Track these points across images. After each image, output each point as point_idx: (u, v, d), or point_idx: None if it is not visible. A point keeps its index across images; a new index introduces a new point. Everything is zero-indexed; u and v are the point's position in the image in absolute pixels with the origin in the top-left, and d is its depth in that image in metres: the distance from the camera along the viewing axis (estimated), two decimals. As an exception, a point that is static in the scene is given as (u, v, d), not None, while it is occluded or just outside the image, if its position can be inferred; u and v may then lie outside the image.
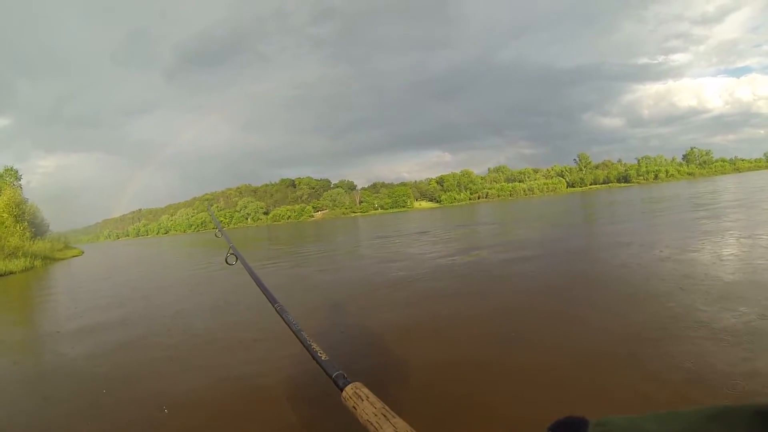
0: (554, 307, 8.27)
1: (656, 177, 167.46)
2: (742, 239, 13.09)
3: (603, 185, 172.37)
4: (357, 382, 1.35)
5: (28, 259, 39.14)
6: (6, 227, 43.44)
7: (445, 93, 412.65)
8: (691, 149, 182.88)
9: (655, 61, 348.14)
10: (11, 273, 33.69)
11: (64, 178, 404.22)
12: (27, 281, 27.97)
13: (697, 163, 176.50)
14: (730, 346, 5.41)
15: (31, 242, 47.16)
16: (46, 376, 7.46)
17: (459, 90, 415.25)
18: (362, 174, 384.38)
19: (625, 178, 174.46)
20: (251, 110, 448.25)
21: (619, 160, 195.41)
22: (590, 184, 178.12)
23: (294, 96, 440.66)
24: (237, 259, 3.05)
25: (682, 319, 6.59)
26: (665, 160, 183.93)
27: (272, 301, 2.07)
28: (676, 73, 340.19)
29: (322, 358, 1.51)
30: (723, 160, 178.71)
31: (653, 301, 7.61)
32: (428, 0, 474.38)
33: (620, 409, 4.35)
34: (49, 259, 45.33)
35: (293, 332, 1.73)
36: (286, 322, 1.83)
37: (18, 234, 44.79)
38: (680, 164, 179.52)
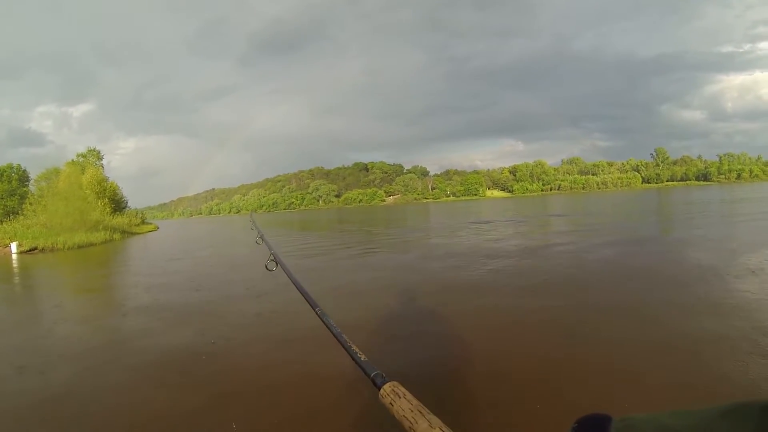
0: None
1: (739, 176, 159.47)
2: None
3: (680, 182, 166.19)
4: (395, 381, 1.37)
5: (108, 232, 41.19)
6: (88, 203, 45.37)
7: (520, 82, 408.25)
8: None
9: (741, 50, 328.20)
10: (92, 244, 35.53)
11: (143, 159, 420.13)
12: (106, 252, 29.18)
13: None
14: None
15: (111, 217, 49.61)
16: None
17: (534, 79, 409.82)
18: (435, 161, 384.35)
19: (704, 176, 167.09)
20: (325, 95, 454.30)
21: (699, 157, 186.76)
22: (666, 181, 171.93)
23: (368, 82, 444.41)
24: (277, 264, 3.12)
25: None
26: (749, 158, 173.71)
27: (313, 305, 2.11)
28: (764, 62, 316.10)
29: (362, 359, 1.56)
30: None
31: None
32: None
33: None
34: (126, 233, 47.34)
35: (334, 335, 1.78)
36: (327, 326, 1.87)
37: (99, 209, 46.94)
38: (766, 163, 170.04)
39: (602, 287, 9.67)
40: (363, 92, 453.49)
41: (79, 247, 33.78)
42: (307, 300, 2.22)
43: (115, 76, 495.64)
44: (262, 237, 4.02)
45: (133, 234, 49.83)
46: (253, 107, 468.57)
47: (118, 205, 60.01)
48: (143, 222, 69.56)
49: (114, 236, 41.70)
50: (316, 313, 2.02)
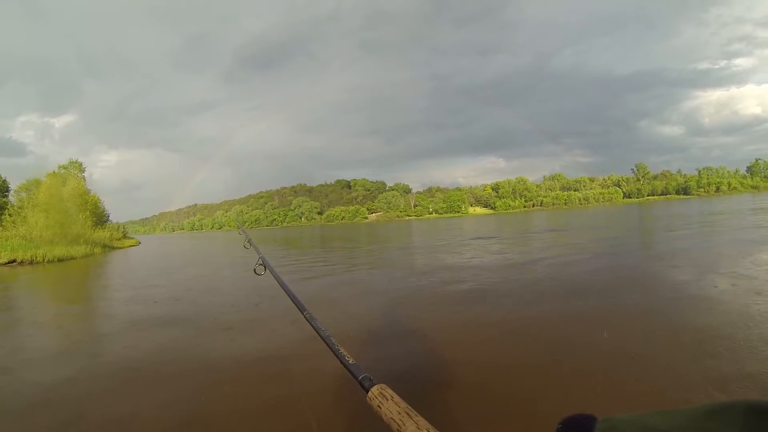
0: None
1: (718, 189, 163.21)
2: None
3: (661, 197, 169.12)
4: (382, 384, 1.38)
5: (89, 246, 40.64)
6: (69, 215, 44.90)
7: (501, 98, 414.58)
8: (756, 161, 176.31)
9: (717, 66, 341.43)
10: (72, 258, 35.03)
11: (125, 172, 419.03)
12: (87, 266, 28.78)
13: (763, 176, 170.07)
14: None
15: (92, 230, 48.99)
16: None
17: (514, 96, 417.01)
18: (417, 178, 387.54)
19: (684, 190, 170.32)
20: (308, 112, 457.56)
21: (679, 171, 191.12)
22: (648, 195, 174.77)
23: (350, 99, 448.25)
24: (266, 269, 3.02)
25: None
26: (728, 171, 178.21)
27: (301, 309, 2.07)
28: (739, 78, 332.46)
29: (350, 362, 1.55)
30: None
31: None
32: (483, 5, 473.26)
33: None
34: (108, 247, 46.81)
35: (322, 338, 1.77)
36: (315, 329, 1.85)
37: (80, 222, 46.40)
38: (744, 176, 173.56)
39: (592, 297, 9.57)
40: (345, 109, 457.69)
41: (60, 260, 33.16)
42: (295, 303, 2.17)
43: (99, 87, 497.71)
44: (249, 241, 3.92)
45: (114, 248, 49.16)
46: (236, 123, 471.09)
47: (99, 218, 59.37)
48: (125, 236, 68.76)
49: (95, 250, 41.07)
50: (305, 317, 2.01)
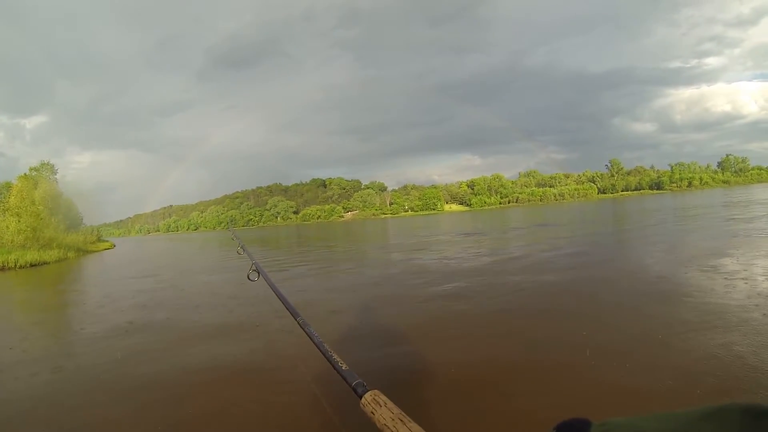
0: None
1: (690, 184, 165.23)
2: None
3: (635, 192, 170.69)
4: (376, 390, 1.38)
5: (62, 250, 40.14)
6: (41, 219, 44.17)
7: (476, 96, 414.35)
8: (727, 156, 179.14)
9: (688, 65, 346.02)
10: (45, 263, 34.53)
11: (98, 174, 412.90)
12: (60, 271, 28.41)
13: (733, 171, 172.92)
14: None
15: (65, 234, 48.25)
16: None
17: (489, 93, 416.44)
18: (393, 176, 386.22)
19: (657, 185, 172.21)
20: (283, 111, 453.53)
21: (652, 167, 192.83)
22: (622, 191, 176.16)
23: (324, 98, 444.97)
24: (259, 275, 3.09)
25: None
26: (699, 167, 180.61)
27: (295, 314, 2.11)
28: (709, 77, 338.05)
29: (343, 368, 1.55)
30: (760, 168, 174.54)
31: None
32: (457, 3, 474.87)
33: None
34: (81, 251, 46.20)
35: (315, 344, 1.77)
36: (308, 335, 1.87)
37: (53, 226, 45.71)
38: (715, 171, 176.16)
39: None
40: (320, 108, 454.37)
41: (32, 265, 32.85)
42: (288, 309, 2.22)
43: (71, 88, 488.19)
44: (243, 248, 3.99)
45: (88, 252, 48.62)
46: (211, 123, 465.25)
47: (72, 221, 58.45)
48: (99, 240, 67.97)
49: (68, 254, 40.66)
50: (298, 323, 2.03)
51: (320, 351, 1.70)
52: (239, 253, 4.03)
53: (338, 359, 1.60)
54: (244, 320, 9.56)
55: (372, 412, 1.29)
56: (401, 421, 1.20)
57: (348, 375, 1.50)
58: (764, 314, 6.79)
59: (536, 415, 4.45)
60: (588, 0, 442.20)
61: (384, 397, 1.33)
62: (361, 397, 1.37)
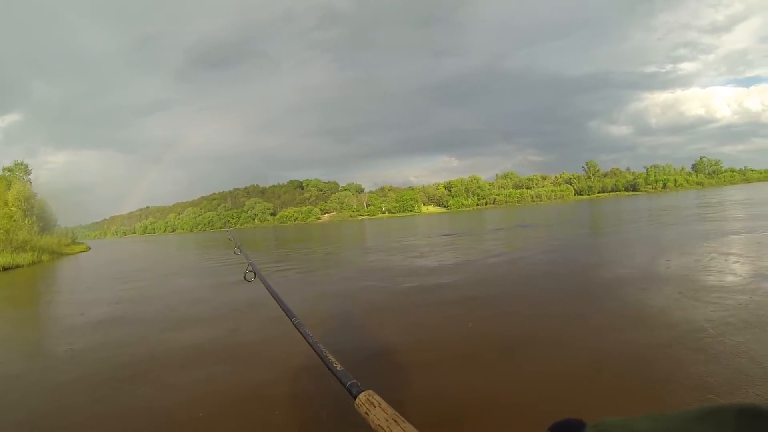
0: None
1: (664, 186, 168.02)
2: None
3: (611, 193, 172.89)
4: (370, 390, 1.38)
5: (36, 253, 39.43)
6: (14, 221, 43.53)
7: (454, 99, 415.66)
8: (701, 159, 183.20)
9: (664, 70, 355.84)
10: (18, 266, 34.04)
11: (73, 174, 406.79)
12: (33, 274, 28.02)
13: (707, 173, 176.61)
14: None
15: (39, 237, 47.42)
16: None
17: (467, 96, 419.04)
18: (370, 177, 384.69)
19: (633, 187, 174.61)
20: (261, 113, 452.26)
21: (628, 169, 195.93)
22: (598, 192, 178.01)
23: (302, 99, 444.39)
24: (255, 275, 3.11)
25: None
26: (674, 169, 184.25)
27: (290, 315, 2.10)
28: (684, 82, 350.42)
29: (338, 369, 1.55)
30: (732, 170, 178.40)
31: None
32: (436, 7, 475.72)
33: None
34: (56, 254, 45.49)
35: (310, 344, 1.77)
36: (303, 335, 1.86)
37: (26, 228, 44.91)
38: (689, 174, 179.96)
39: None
40: (298, 110, 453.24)
41: (4, 269, 32.28)
42: (284, 310, 2.21)
43: (46, 86, 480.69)
44: (239, 248, 4.04)
45: (63, 255, 47.87)
46: (188, 123, 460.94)
47: (47, 223, 57.50)
48: (74, 242, 67.01)
49: (42, 257, 39.89)
50: (293, 323, 2.02)
51: (315, 351, 1.72)
52: (236, 254, 4.08)
53: (333, 360, 1.61)
54: (235, 326, 9.44)
55: (366, 413, 1.31)
56: (395, 421, 1.21)
57: (342, 375, 1.51)
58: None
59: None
60: (566, 5, 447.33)
61: (378, 398, 1.34)
62: (355, 398, 1.39)
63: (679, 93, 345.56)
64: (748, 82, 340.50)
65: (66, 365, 7.48)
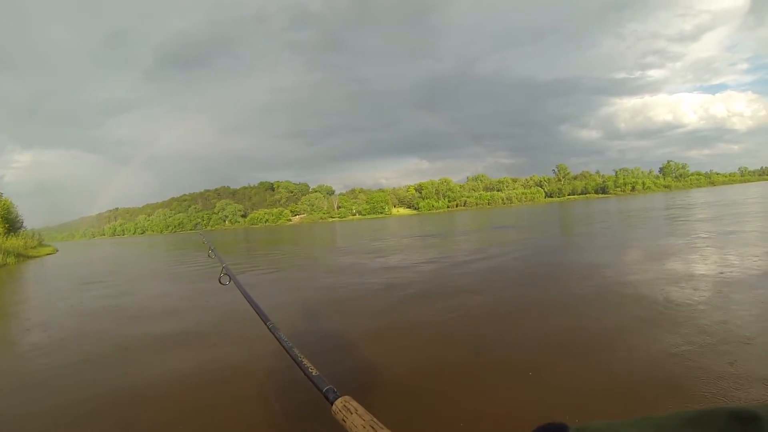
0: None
1: (633, 189, 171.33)
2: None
3: (581, 196, 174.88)
4: (346, 396, 1.36)
5: (1, 255, 38.49)
6: (-22, 223, 42.54)
7: (424, 102, 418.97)
8: (668, 162, 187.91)
9: (633, 76, 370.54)
10: (-18, 269, 33.05)
11: (40, 174, 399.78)
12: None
13: (674, 176, 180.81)
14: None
15: (4, 238, 46.37)
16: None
17: (438, 99, 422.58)
18: (340, 179, 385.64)
19: (602, 189, 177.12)
20: (231, 113, 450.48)
21: (597, 172, 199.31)
22: (568, 195, 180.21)
23: (273, 100, 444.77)
24: (230, 279, 3.09)
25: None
26: (642, 172, 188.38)
27: (265, 319, 2.09)
28: (652, 88, 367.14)
29: (313, 374, 1.53)
30: (698, 174, 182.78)
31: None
32: (409, 10, 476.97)
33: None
34: (22, 257, 44.45)
35: (285, 349, 1.76)
36: (278, 340, 1.85)
37: (-10, 230, 43.71)
38: (657, 177, 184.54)
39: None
40: (268, 111, 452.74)
41: (-31, 272, 31.47)
42: (258, 314, 2.19)
43: (11, 82, 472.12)
44: (213, 251, 4.01)
45: (29, 257, 46.68)
46: (158, 124, 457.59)
47: (12, 224, 56.30)
48: (41, 244, 65.71)
49: (8, 260, 38.77)
50: (268, 328, 2.00)
51: (290, 356, 1.69)
52: (210, 257, 4.04)
53: (308, 364, 1.58)
54: (204, 329, 9.33)
55: (343, 420, 1.28)
56: (372, 428, 1.19)
57: (318, 381, 1.49)
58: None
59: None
60: (538, 11, 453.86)
61: (355, 404, 1.31)
62: (332, 404, 1.36)
63: (647, 99, 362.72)
64: (713, 89, 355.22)
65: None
